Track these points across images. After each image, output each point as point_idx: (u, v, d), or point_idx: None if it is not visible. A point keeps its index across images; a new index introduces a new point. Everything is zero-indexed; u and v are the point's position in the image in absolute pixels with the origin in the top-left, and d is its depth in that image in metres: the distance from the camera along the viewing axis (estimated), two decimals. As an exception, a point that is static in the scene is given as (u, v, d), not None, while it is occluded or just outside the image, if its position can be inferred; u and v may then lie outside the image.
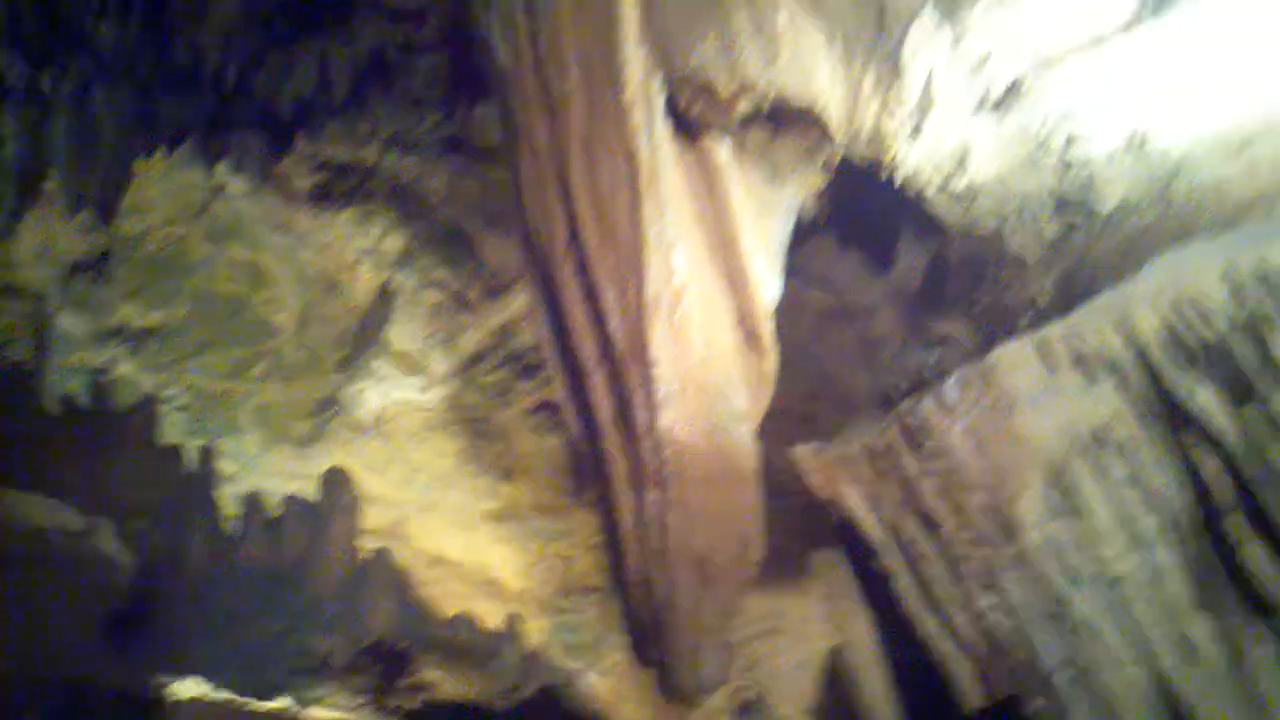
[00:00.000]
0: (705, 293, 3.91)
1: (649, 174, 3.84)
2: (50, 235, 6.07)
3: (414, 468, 6.00)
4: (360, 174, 6.27)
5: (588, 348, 3.97)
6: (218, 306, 6.20)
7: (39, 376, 5.76)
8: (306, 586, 4.30)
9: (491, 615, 5.31)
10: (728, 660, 3.93)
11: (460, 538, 5.99)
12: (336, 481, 4.70)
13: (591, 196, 3.94)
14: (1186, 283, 3.22)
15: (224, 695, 3.97)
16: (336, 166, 6.25)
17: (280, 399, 6.06)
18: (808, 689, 4.97)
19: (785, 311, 4.15)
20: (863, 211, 4.78)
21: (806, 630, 4.99)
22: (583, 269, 3.96)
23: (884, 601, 3.45)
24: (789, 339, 4.11)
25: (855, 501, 3.44)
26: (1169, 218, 3.96)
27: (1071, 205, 4.15)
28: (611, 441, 3.91)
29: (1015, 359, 3.35)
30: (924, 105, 3.99)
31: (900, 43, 3.88)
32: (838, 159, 4.15)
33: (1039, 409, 3.30)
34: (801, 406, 5.00)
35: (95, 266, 6.12)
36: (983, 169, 4.15)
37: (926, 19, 3.85)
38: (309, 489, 5.17)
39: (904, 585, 3.36)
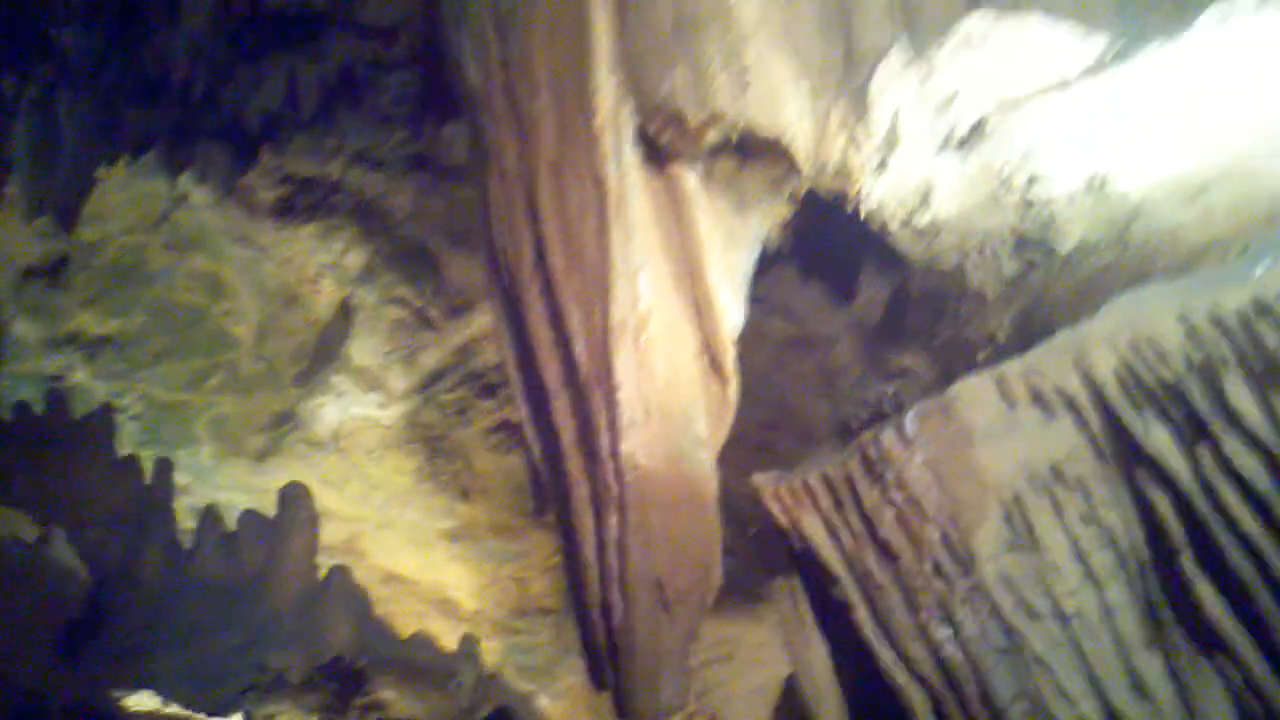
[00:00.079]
0: (670, 319, 3.93)
1: (617, 200, 3.87)
2: (6, 240, 6.01)
3: (371, 485, 5.99)
4: (325, 189, 6.27)
5: (552, 370, 3.99)
6: (176, 317, 6.17)
7: (-8, 383, 5.70)
8: (264, 602, 4.26)
9: (445, 634, 5.31)
10: (685, 685, 3.93)
11: (416, 556, 5.98)
12: (295, 496, 4.67)
13: (559, 220, 3.96)
14: (1144, 324, 3.27)
15: (177, 710, 3.93)
16: (301, 181, 6.25)
17: (237, 412, 6.03)
18: (762, 715, 4.99)
19: (746, 339, 4.18)
20: (826, 243, 4.83)
21: (762, 657, 5.01)
22: (549, 291, 3.98)
23: (841, 630, 3.46)
24: (749, 367, 4.14)
25: (814, 531, 3.44)
26: (1126, 259, 4.04)
27: (1031, 244, 4.22)
28: (573, 464, 3.92)
29: (974, 394, 3.39)
30: (890, 141, 4.05)
31: (868, 79, 3.94)
32: (804, 191, 4.20)
33: (997, 444, 3.33)
34: (760, 434, 5.04)
35: (52, 273, 6.06)
36: (946, 205, 4.20)
37: (894, 58, 3.91)
38: (264, 503, 5.14)
39: (861, 615, 3.37)
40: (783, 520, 3.51)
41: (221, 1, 5.76)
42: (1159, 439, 3.20)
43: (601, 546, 3.81)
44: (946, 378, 3.72)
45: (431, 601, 5.92)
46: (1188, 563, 3.14)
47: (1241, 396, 3.11)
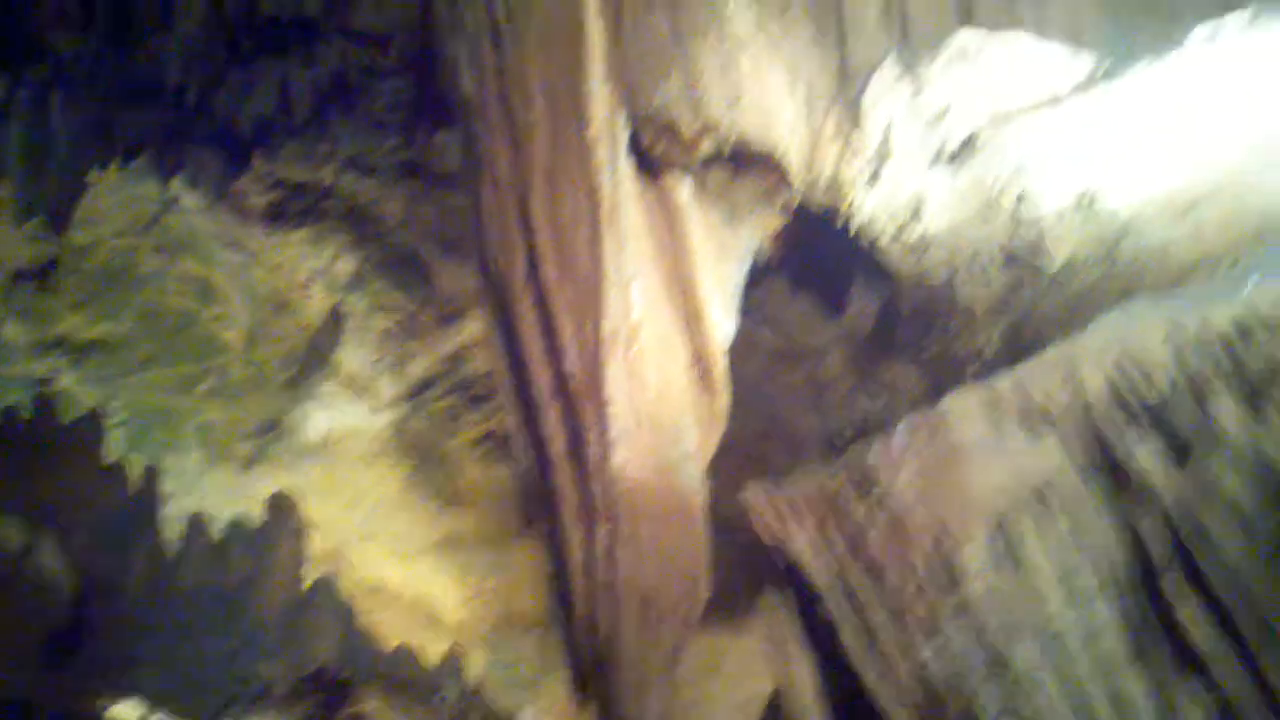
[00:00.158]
0: (661, 331, 3.94)
1: (610, 210, 3.88)
2: (-3, 242, 5.99)
3: (358, 493, 5.96)
4: (316, 195, 6.25)
5: (543, 380, 3.99)
6: (165, 321, 6.14)
7: (-22, 386, 5.67)
8: (249, 611, 4.25)
9: (430, 646, 5.29)
10: (671, 699, 3.93)
11: (401, 567, 5.95)
12: (282, 506, 4.65)
13: (552, 229, 3.97)
14: (1131, 342, 3.29)
15: (163, 719, 3.92)
16: (292, 186, 6.23)
17: (224, 418, 6.00)
18: (748, 730, 4.99)
19: (736, 351, 4.19)
20: (817, 255, 4.84)
21: (747, 671, 5.00)
22: (541, 301, 3.98)
23: (827, 646, 3.47)
24: (738, 379, 4.15)
25: (802, 545, 3.45)
26: (1115, 276, 4.06)
27: (1021, 260, 4.23)
28: (563, 475, 3.92)
29: (963, 410, 3.40)
30: (882, 154, 4.06)
31: (861, 92, 3.95)
32: (796, 203, 4.20)
33: (985, 460, 3.34)
34: (749, 446, 5.03)
35: (41, 275, 6.04)
36: (936, 220, 4.21)
37: (887, 71, 3.93)
38: (251, 510, 5.13)
39: (847, 630, 3.37)
40: (770, 535, 3.52)
41: (215, 6, 5.74)
42: (1144, 458, 3.22)
43: (590, 557, 3.81)
44: (935, 392, 3.73)
45: (416, 613, 5.90)
46: (1170, 583, 3.15)
47: (1227, 416, 3.13)
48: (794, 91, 3.96)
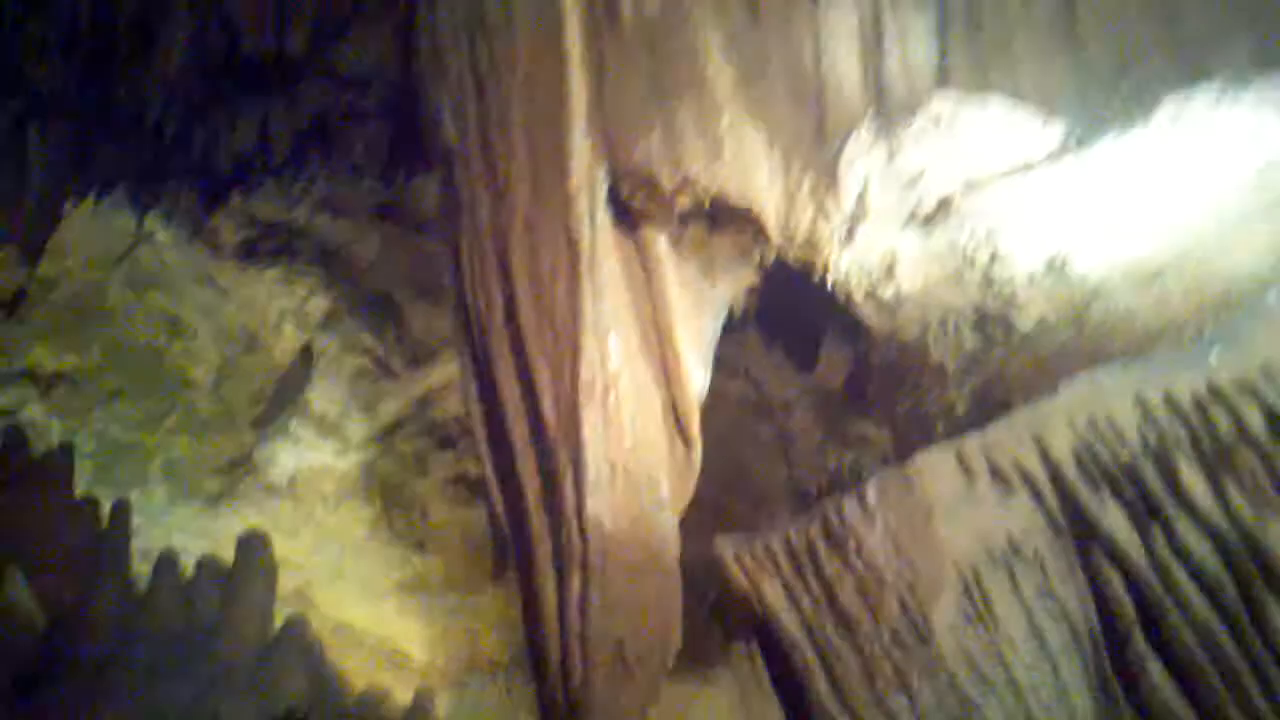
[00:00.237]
0: (637, 381, 3.97)
1: (589, 260, 3.92)
2: (-38, 271, 5.95)
3: (325, 533, 5.92)
4: (290, 234, 6.26)
5: (519, 427, 4.01)
6: (134, 355, 6.11)
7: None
8: (218, 651, 4.20)
9: (395, 688, 5.24)
10: (641, 749, 3.93)
11: (367, 608, 5.91)
12: (253, 545, 4.61)
13: (531, 277, 4.00)
14: (1100, 405, 3.36)
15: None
16: (267, 225, 6.24)
17: (191, 454, 5.96)
18: (716, 781, 4.98)
19: (705, 403, 4.21)
20: (789, 309, 4.89)
21: (716, 720, 5.01)
22: (518, 348, 4.01)
23: (796, 697, 3.49)
24: (706, 429, 4.18)
25: (774, 596, 3.49)
26: (1083, 339, 4.13)
27: (992, 320, 4.30)
28: (536, 523, 3.92)
29: (935, 466, 3.46)
30: (858, 215, 4.12)
31: (838, 154, 4.01)
32: (772, 258, 4.25)
33: (956, 517, 3.40)
34: (716, 497, 5.06)
35: (11, 306, 6.00)
36: (909, 280, 4.28)
37: (864, 133, 4.00)
38: (217, 548, 5.08)
39: (818, 682, 3.41)
40: (744, 584, 3.55)
41: (196, 43, 5.78)
42: (1113, 518, 3.29)
43: (563, 605, 3.81)
44: (905, 448, 3.78)
45: (381, 654, 5.85)
46: (1139, 641, 3.21)
47: (1194, 480, 3.21)
48: (772, 150, 4.01)
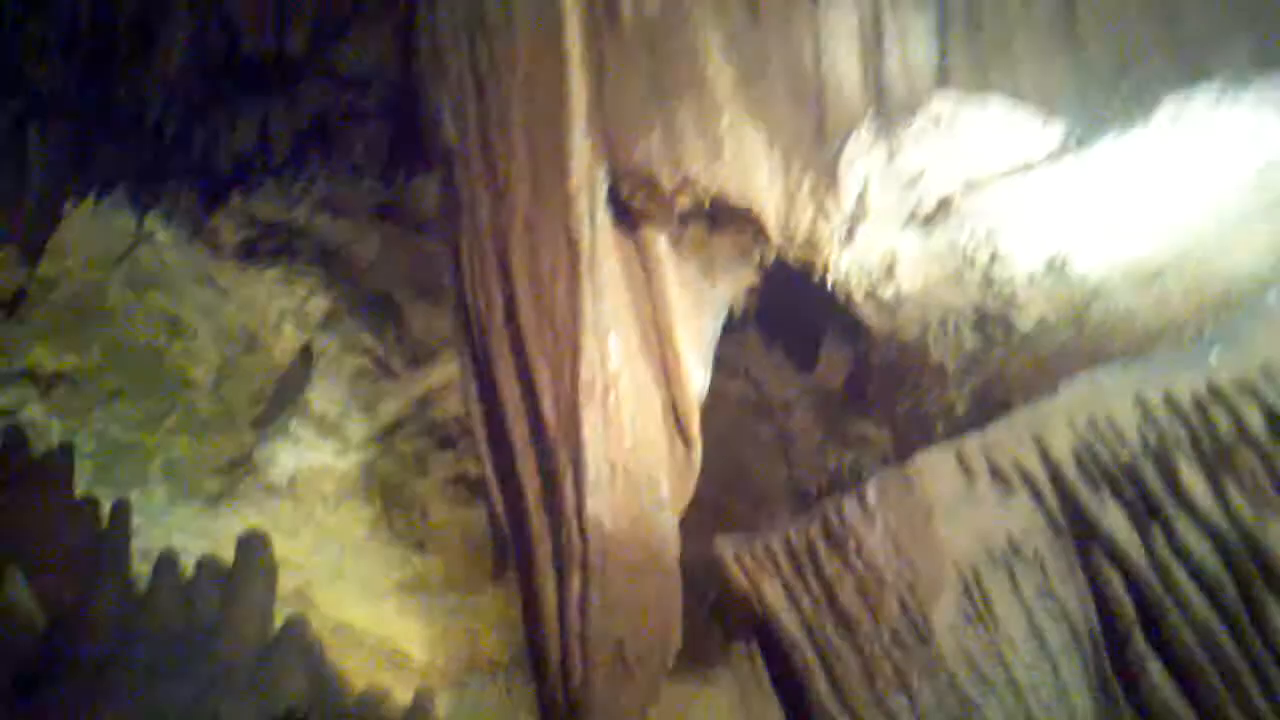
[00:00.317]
0: (637, 381, 3.97)
1: (589, 260, 3.92)
2: (-34, 272, 5.95)
3: (325, 533, 5.92)
4: (290, 234, 6.27)
5: (519, 427, 4.01)
6: (134, 355, 6.11)
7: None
8: (218, 651, 4.20)
9: (395, 687, 5.24)
10: (641, 749, 3.93)
11: (367, 607, 5.91)
12: (253, 545, 4.61)
13: (531, 277, 4.01)
14: (1100, 405, 3.36)
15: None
16: (267, 225, 6.25)
17: (191, 454, 5.96)
18: (717, 781, 4.98)
19: (705, 403, 4.21)
20: (789, 309, 4.89)
21: (716, 720, 5.01)
22: (518, 347, 4.01)
23: (796, 697, 3.49)
24: (706, 429, 4.18)
25: (774, 596, 3.49)
26: (1083, 339, 4.13)
27: (992, 320, 4.30)
28: (536, 523, 3.92)
29: (935, 466, 3.46)
30: (858, 215, 4.12)
31: (838, 153, 4.01)
32: (772, 258, 4.25)
33: (956, 517, 3.40)
34: (716, 497, 5.06)
35: (11, 306, 6.01)
36: (909, 280, 4.28)
37: (864, 133, 4.00)
38: (217, 548, 5.08)
39: (818, 682, 3.41)
40: (744, 584, 3.55)
41: (197, 43, 5.79)
42: (1113, 518, 3.29)
43: (563, 605, 3.81)
44: (905, 448, 3.78)
45: (381, 654, 5.84)
46: (1139, 641, 3.21)
47: (1194, 480, 3.21)
48: (772, 150, 4.01)
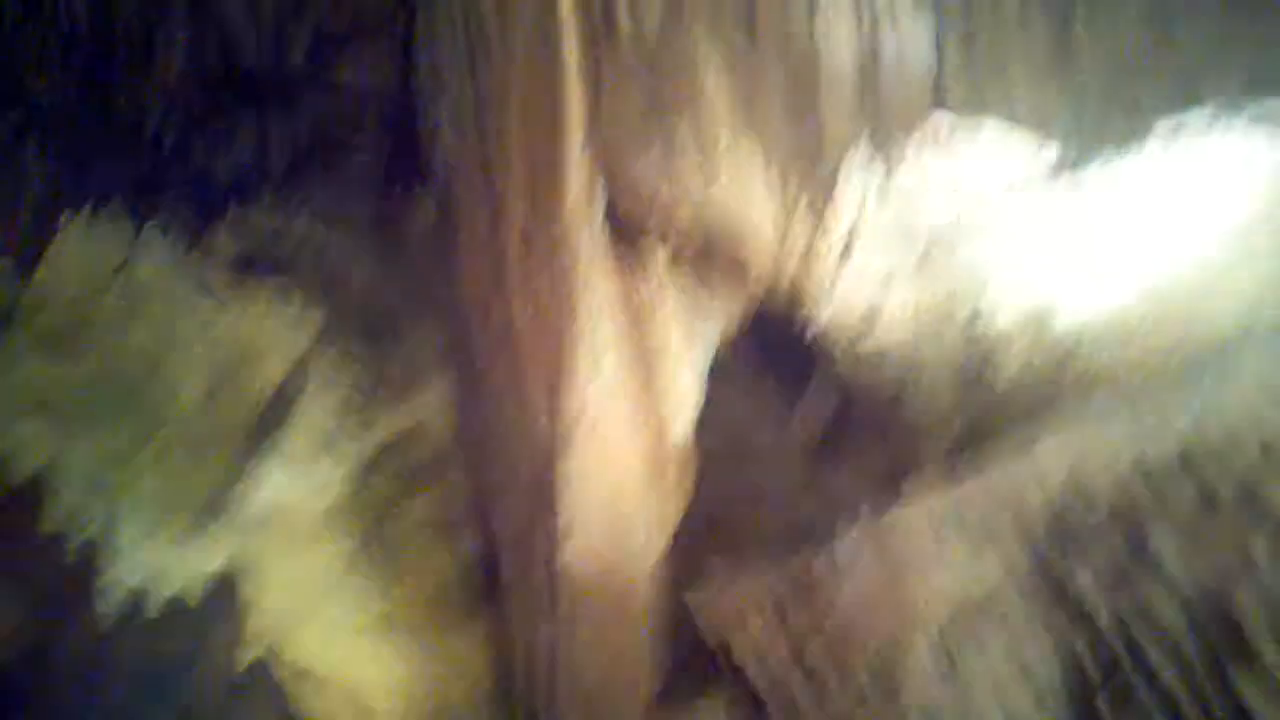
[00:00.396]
0: (623, 418, 3.96)
1: (585, 277, 3.93)
2: (-45, 286, 5.93)
3: (300, 569, 5.86)
4: (285, 248, 6.25)
5: (504, 452, 3.99)
6: (122, 372, 6.08)
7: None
8: (184, 692, 4.19)
9: (363, 732, 5.21)
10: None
11: (338, 649, 5.83)
12: (223, 584, 4.59)
13: (527, 294, 4.03)
14: (1073, 467, 3.38)
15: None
16: (262, 239, 6.23)
17: (169, 485, 5.90)
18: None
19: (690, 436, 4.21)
20: (770, 361, 4.87)
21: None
22: (512, 367, 4.01)
23: (766, 751, 3.51)
24: (687, 472, 4.16)
25: (744, 652, 3.50)
26: (1062, 396, 4.12)
27: (972, 375, 4.30)
28: (510, 565, 3.93)
29: (907, 525, 3.48)
30: (855, 230, 4.10)
31: (834, 171, 4.03)
32: (766, 281, 4.22)
33: (927, 574, 3.41)
34: (690, 546, 5.03)
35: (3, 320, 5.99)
36: (891, 332, 4.27)
37: (860, 151, 4.01)
38: (191, 583, 5.06)
39: (785, 738, 3.42)
40: (714, 638, 3.56)
41: (195, 55, 5.80)
42: (1082, 579, 3.30)
43: (534, 651, 3.81)
44: (880, 504, 3.78)
45: (352, 695, 5.79)
46: (1104, 702, 3.22)
47: (1162, 545, 3.22)
48: (769, 168, 4.03)
